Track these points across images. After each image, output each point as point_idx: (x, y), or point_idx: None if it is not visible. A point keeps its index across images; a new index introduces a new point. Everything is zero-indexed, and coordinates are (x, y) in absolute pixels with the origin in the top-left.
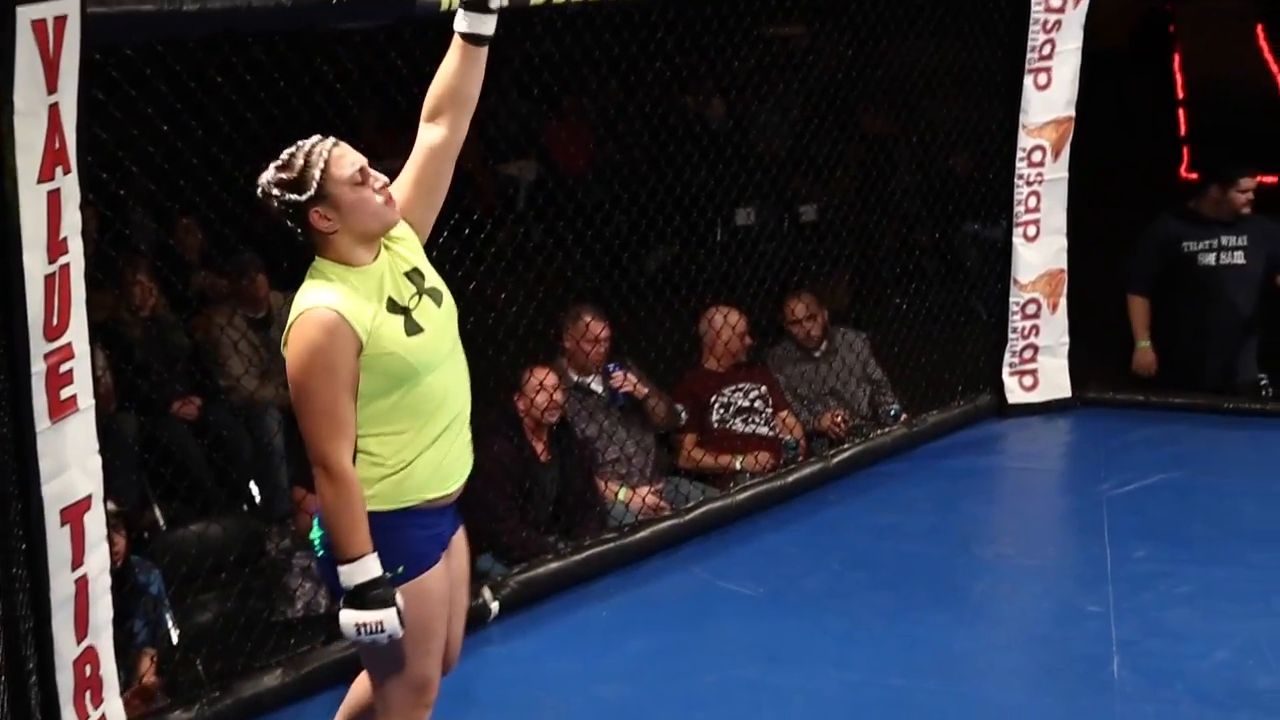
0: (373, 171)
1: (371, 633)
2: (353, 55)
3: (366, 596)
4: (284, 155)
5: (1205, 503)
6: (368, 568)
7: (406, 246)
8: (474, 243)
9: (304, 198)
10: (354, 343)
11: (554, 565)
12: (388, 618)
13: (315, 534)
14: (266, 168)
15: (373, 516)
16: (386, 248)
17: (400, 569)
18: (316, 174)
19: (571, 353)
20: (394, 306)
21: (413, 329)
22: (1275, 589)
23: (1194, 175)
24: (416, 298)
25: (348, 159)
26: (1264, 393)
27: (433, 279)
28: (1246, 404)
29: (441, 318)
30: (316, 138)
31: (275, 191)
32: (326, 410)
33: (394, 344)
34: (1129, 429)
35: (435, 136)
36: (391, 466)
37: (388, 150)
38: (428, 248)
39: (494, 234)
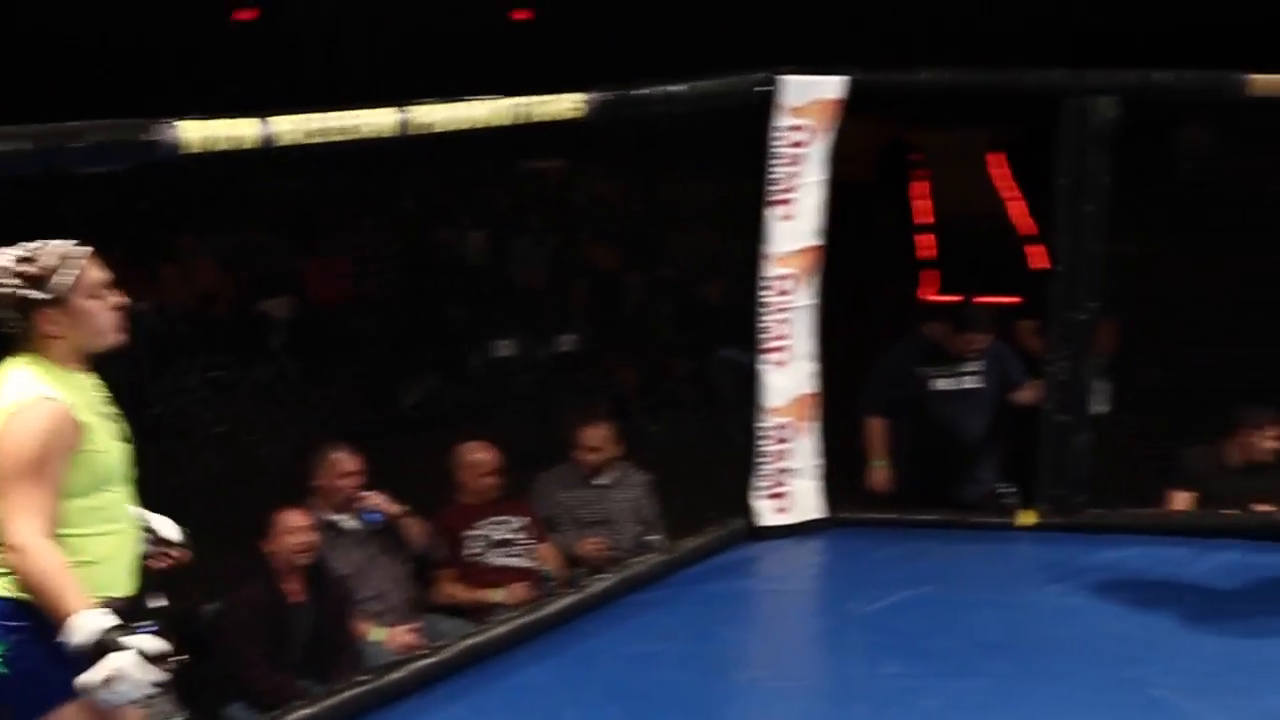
0: (113, 290)
1: (122, 679)
2: (96, 197)
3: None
4: (28, 247)
5: (950, 616)
6: (95, 617)
7: (99, 389)
8: (225, 384)
9: (41, 297)
10: (75, 435)
11: (307, 710)
12: (123, 659)
13: None
14: None
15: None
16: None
17: None
18: (64, 281)
19: (323, 490)
20: (102, 415)
21: (121, 437)
22: (1017, 699)
23: (935, 297)
24: (117, 418)
25: (97, 271)
26: (1012, 499)
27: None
28: (988, 518)
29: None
30: (71, 242)
31: (7, 281)
32: (37, 491)
33: (105, 444)
34: (880, 547)
35: None
36: (81, 560)
37: (130, 291)
38: (175, 386)
39: (246, 374)
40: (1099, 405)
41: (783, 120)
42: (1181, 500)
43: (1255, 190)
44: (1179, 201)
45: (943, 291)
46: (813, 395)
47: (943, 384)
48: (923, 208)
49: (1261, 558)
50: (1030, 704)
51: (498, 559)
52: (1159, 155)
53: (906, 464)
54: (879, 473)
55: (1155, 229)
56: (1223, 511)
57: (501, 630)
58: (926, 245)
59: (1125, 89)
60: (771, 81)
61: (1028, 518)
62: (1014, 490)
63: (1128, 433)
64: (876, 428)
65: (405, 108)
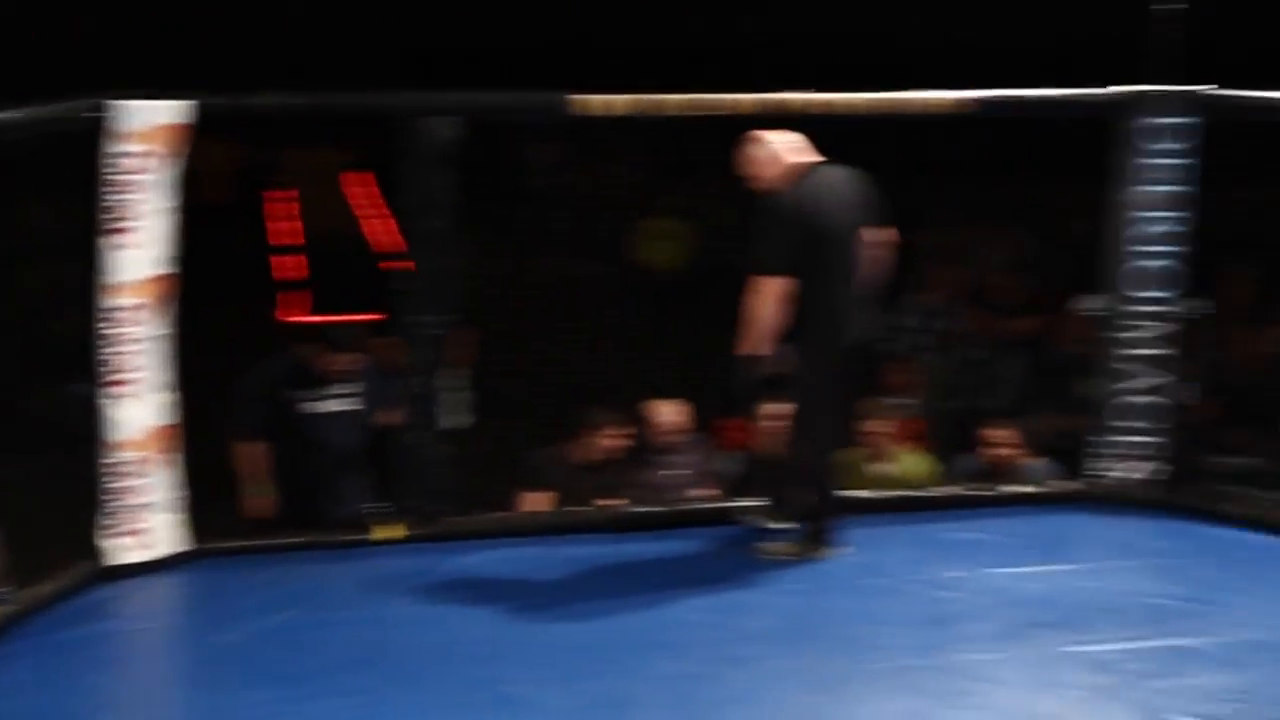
0: None
1: None
2: None
3: None
4: None
5: (314, 637)
6: None
7: None
8: None
9: None
10: None
11: None
12: None
13: None
14: None
15: None
16: None
17: None
18: None
19: None
20: None
21: None
22: (379, 711)
23: (302, 318)
24: None
25: None
26: (380, 516)
27: None
28: (356, 536)
29: None
30: None
31: None
32: None
33: None
34: (247, 575)
35: None
36: None
37: None
38: None
39: None
40: (461, 417)
41: (118, 146)
42: (535, 501)
43: (597, 204)
44: (532, 215)
45: (315, 312)
46: (170, 427)
47: (312, 406)
48: (286, 229)
49: (606, 549)
50: (390, 715)
51: None
52: (511, 172)
53: (279, 488)
54: (257, 499)
55: (511, 242)
56: (572, 509)
57: None
58: (293, 266)
59: (462, 109)
60: (104, 107)
61: (394, 531)
62: (387, 507)
63: (486, 440)
64: (250, 452)
65: None
